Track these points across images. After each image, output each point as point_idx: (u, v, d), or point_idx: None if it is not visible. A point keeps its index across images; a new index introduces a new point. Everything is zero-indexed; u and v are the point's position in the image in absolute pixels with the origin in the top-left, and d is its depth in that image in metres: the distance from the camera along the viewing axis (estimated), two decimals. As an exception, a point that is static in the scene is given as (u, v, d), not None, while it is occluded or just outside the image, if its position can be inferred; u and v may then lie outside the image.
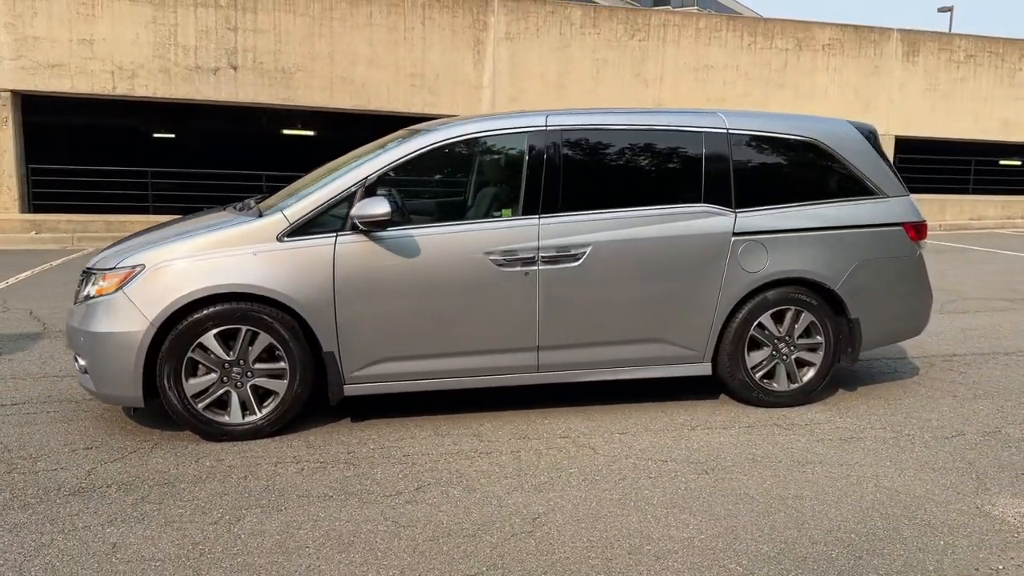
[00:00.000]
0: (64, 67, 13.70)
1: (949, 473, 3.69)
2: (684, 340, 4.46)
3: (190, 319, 3.84)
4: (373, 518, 3.15)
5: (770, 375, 4.62)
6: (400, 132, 4.76)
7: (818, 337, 4.63)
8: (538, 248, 4.18)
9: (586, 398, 4.69)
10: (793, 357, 4.62)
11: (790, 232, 4.55)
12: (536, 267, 4.18)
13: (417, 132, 4.42)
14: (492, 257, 4.13)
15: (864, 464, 3.77)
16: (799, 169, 4.72)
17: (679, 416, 4.43)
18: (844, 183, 4.74)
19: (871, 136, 4.89)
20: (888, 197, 4.79)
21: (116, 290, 3.88)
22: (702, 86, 16.64)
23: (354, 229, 4.01)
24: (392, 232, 4.05)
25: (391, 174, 4.20)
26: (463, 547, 2.93)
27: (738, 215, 4.50)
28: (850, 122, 4.92)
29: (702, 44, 16.56)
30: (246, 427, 3.98)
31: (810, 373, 4.65)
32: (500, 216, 4.33)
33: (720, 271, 4.43)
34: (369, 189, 4.07)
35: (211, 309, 3.86)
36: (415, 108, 15.20)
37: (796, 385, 4.64)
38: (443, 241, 4.12)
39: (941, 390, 5.00)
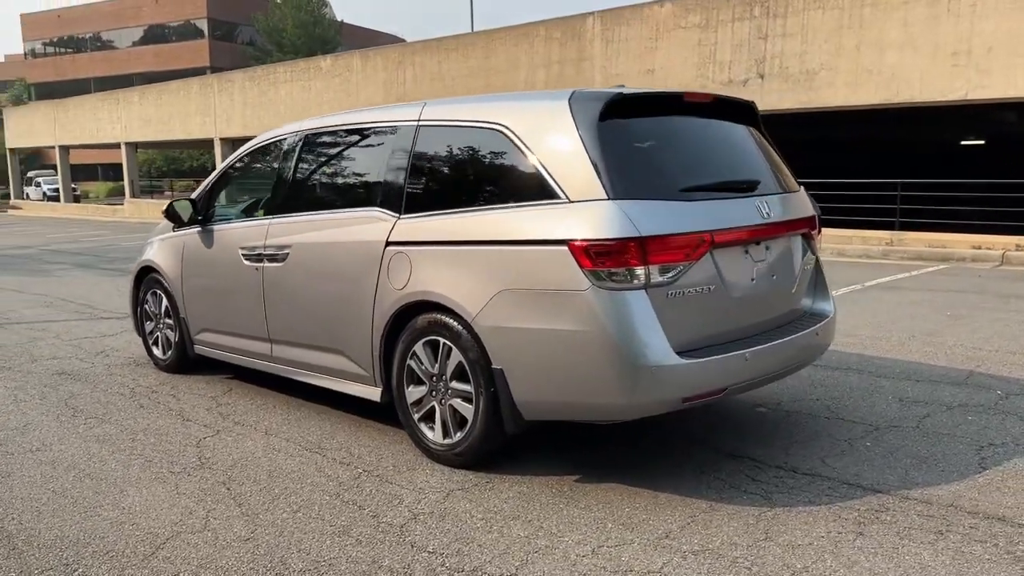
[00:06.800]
0: (633, 95, 16.22)
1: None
2: (357, 357, 4.04)
3: (142, 281, 5.76)
4: (39, 425, 4.56)
5: (431, 419, 3.71)
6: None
7: (467, 385, 3.47)
8: (264, 246, 4.55)
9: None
10: (448, 404, 3.60)
11: (433, 245, 3.57)
12: (263, 264, 4.56)
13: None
14: (243, 252, 4.71)
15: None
16: (475, 165, 3.61)
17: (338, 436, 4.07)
18: (524, 182, 3.36)
19: (588, 112, 3.22)
20: (568, 202, 3.13)
21: (144, 257, 6.09)
22: None
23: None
24: (207, 227, 5.08)
25: (229, 174, 5.20)
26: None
27: (399, 221, 3.78)
28: (577, 95, 3.34)
29: None
30: (163, 362, 5.64)
31: (463, 431, 3.52)
32: (258, 217, 4.80)
33: (374, 285, 3.85)
34: (211, 192, 5.17)
35: (146, 276, 5.69)
36: (954, 95, 12.32)
37: (448, 440, 3.59)
38: (224, 236, 4.93)
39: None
